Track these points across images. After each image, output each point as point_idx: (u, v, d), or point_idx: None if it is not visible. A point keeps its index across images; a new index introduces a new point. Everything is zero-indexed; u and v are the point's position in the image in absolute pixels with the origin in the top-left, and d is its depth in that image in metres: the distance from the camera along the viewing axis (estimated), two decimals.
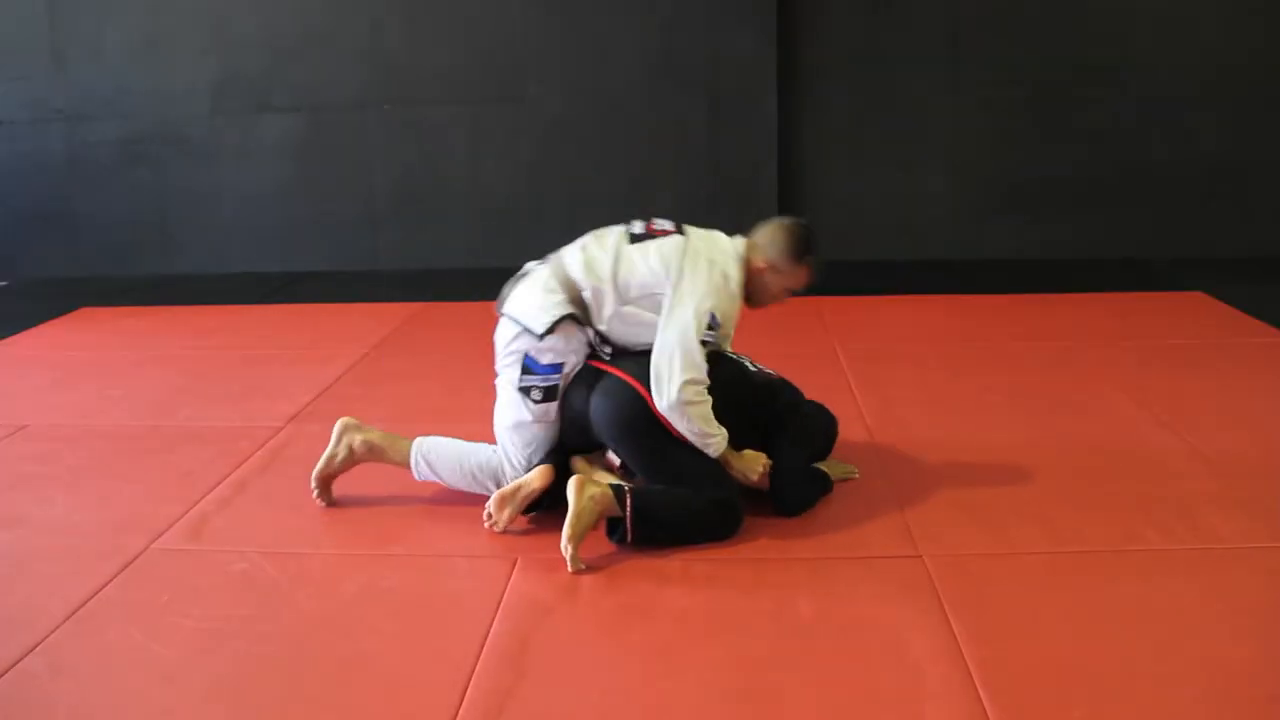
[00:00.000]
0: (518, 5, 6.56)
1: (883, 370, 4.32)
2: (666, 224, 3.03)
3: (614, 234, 3.03)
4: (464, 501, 3.10)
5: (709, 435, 2.85)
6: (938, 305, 5.47)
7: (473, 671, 2.29)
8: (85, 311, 5.93)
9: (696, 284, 2.87)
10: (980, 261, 6.42)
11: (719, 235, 3.06)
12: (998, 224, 6.57)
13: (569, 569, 2.69)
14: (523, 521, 2.96)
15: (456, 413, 3.77)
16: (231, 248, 6.92)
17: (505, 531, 2.92)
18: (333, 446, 3.12)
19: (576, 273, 2.96)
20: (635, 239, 2.99)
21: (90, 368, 4.76)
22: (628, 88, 6.56)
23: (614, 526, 2.80)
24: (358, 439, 3.12)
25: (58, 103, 6.86)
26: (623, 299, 2.92)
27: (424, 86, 6.68)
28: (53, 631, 2.49)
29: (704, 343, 2.83)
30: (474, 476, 3.08)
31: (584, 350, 2.99)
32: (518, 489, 2.92)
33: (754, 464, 2.96)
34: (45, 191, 6.94)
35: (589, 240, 3.05)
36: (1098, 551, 2.76)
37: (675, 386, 2.77)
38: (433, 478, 3.13)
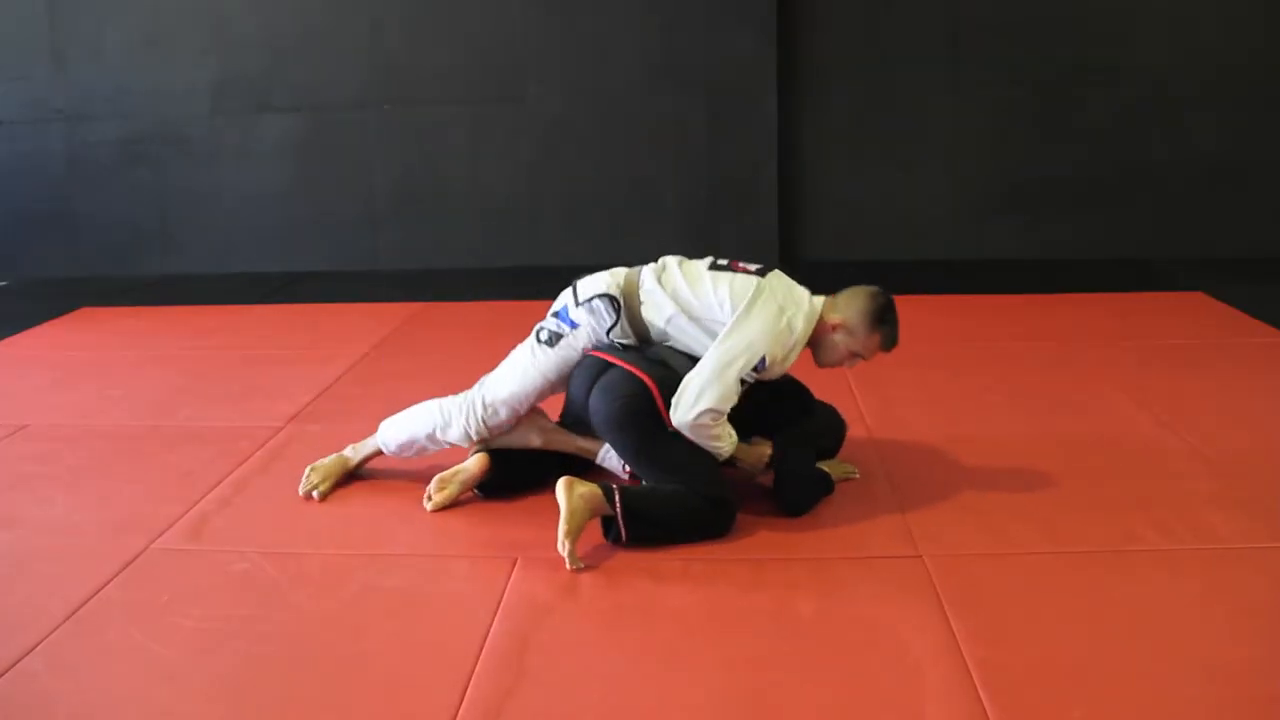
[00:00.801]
0: (518, 5, 6.56)
1: (883, 370, 4.28)
2: (751, 266, 3.04)
3: (697, 261, 3.09)
4: (464, 502, 3.11)
5: (718, 445, 2.88)
6: (938, 305, 5.47)
7: (473, 671, 2.29)
8: (85, 311, 5.93)
9: (759, 324, 2.87)
10: (980, 261, 6.42)
11: (798, 286, 3.03)
12: (998, 224, 6.57)
13: (568, 567, 2.69)
14: (519, 522, 2.97)
15: None
16: (231, 248, 6.92)
17: (504, 525, 2.93)
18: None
19: (645, 274, 3.05)
20: (716, 267, 3.03)
21: (90, 368, 4.76)
22: (628, 88, 6.56)
23: (608, 525, 2.81)
24: (345, 450, 3.31)
25: (58, 103, 6.86)
26: (683, 309, 2.94)
27: (424, 86, 6.68)
28: (53, 631, 2.49)
29: (742, 381, 2.84)
30: (438, 410, 3.16)
31: (601, 329, 3.01)
32: (456, 473, 3.09)
33: (760, 455, 2.98)
34: (45, 191, 6.94)
35: (670, 258, 3.10)
36: (1098, 551, 2.76)
37: (695, 411, 2.79)
38: (394, 433, 3.24)
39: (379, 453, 3.29)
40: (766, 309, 2.89)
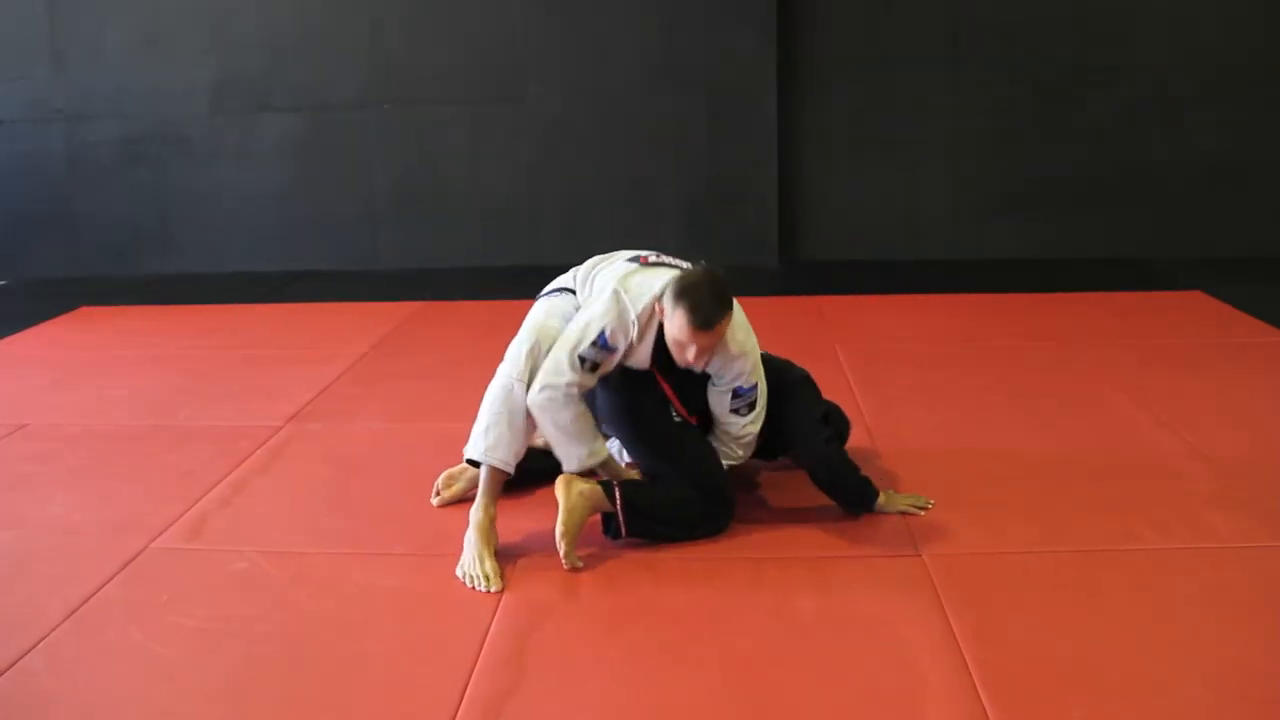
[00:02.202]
0: (518, 5, 6.56)
1: (883, 370, 4.31)
2: (667, 259, 2.91)
3: (625, 255, 3.00)
4: (464, 501, 3.10)
5: (564, 441, 2.81)
6: (938, 305, 5.47)
7: (472, 671, 2.29)
8: (85, 311, 5.93)
9: (598, 306, 2.81)
10: (980, 261, 6.42)
11: (663, 276, 2.80)
12: (998, 224, 6.57)
13: (565, 566, 2.69)
14: (519, 522, 2.97)
15: (456, 412, 3.77)
16: (231, 247, 6.91)
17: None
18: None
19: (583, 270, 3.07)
20: (632, 260, 2.95)
21: (90, 368, 4.76)
22: (628, 88, 6.56)
23: (608, 522, 2.82)
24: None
25: (58, 103, 6.86)
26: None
27: (424, 86, 6.68)
28: (52, 631, 2.49)
29: (583, 359, 2.75)
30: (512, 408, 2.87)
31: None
32: (464, 470, 3.08)
33: (625, 473, 2.91)
34: (45, 191, 6.94)
35: (602, 259, 3.06)
36: (1098, 551, 2.77)
37: (535, 388, 2.79)
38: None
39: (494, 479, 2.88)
40: (605, 293, 2.82)
